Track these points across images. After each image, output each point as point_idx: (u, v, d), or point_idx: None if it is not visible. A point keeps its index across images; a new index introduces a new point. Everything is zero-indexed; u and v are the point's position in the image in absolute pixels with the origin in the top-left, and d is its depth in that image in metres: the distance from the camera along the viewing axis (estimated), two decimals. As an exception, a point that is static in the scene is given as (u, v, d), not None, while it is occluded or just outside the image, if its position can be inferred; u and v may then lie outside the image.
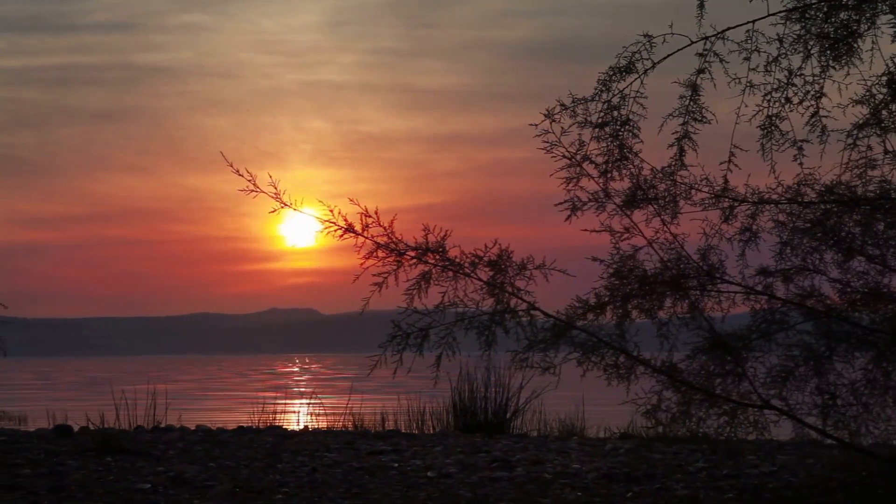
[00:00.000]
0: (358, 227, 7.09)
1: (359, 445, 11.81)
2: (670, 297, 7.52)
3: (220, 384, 54.09)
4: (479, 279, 7.15)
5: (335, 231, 7.11)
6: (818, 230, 7.66)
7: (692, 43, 7.38)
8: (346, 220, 7.10)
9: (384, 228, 7.11)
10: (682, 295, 7.47)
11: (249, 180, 7.08)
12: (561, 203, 7.55)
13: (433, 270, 7.06)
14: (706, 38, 7.37)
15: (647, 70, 7.42)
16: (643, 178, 7.58)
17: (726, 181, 7.62)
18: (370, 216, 7.08)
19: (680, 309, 7.58)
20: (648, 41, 7.41)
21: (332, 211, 7.12)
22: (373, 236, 7.09)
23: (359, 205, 7.06)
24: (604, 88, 7.46)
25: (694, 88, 7.47)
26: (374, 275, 7.04)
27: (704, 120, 7.47)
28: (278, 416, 18.58)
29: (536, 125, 7.45)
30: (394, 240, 7.09)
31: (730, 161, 7.58)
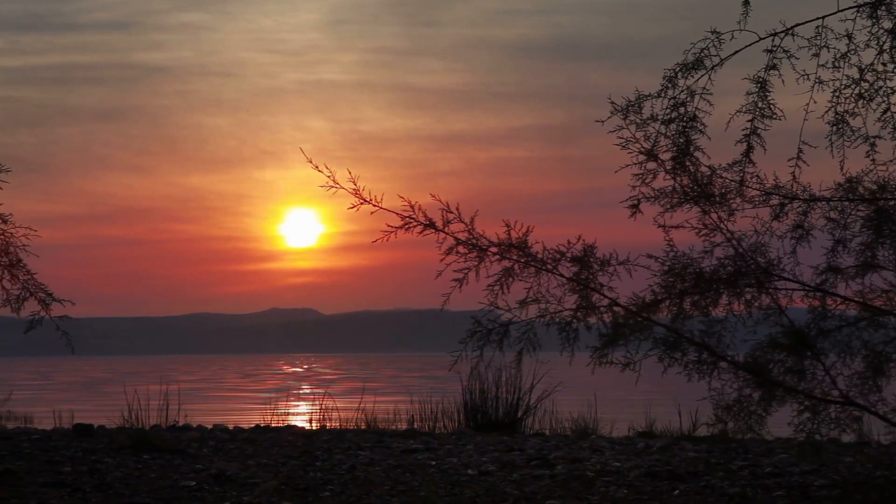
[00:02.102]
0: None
1: (390, 443, 11.80)
2: (726, 294, 7.49)
3: (224, 384, 54.08)
4: (562, 275, 7.10)
5: (415, 227, 7.03)
6: (884, 226, 7.62)
7: (760, 39, 7.37)
8: (425, 215, 7.05)
9: (465, 224, 7.05)
10: (738, 293, 7.43)
11: (329, 176, 7.03)
12: (626, 200, 7.54)
13: (515, 266, 7.00)
14: (775, 33, 7.36)
15: (714, 66, 7.41)
16: (705, 175, 7.55)
17: (794, 177, 7.62)
18: (452, 212, 7.02)
19: (736, 306, 7.56)
20: (717, 37, 7.40)
21: (412, 206, 7.06)
22: (454, 232, 7.00)
23: (440, 200, 7.01)
24: (669, 85, 7.45)
25: (762, 85, 7.46)
26: (454, 271, 6.99)
27: (775, 116, 7.46)
28: (290, 415, 18.53)
29: (603, 122, 7.44)
30: (475, 235, 7.02)
31: (798, 157, 7.57)
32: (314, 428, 14.47)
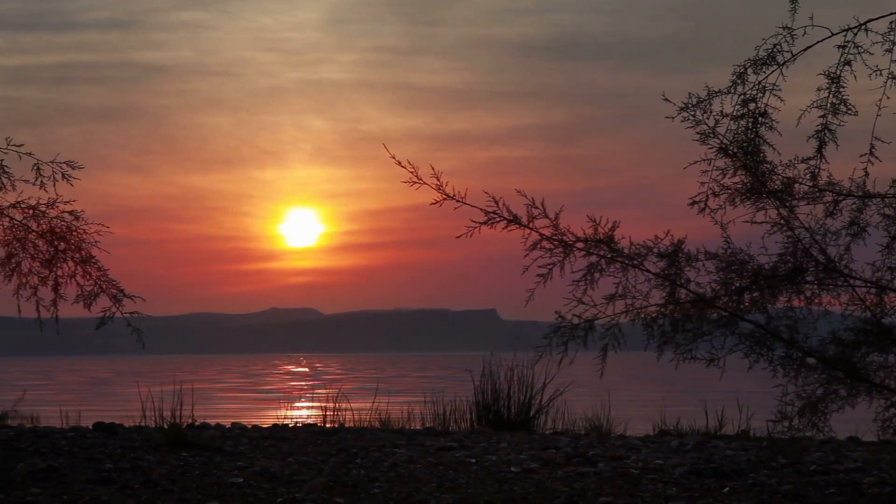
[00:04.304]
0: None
1: (423, 441, 11.78)
2: (787, 291, 7.46)
3: (227, 384, 54.09)
4: (649, 271, 7.06)
5: (499, 222, 6.98)
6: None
7: (833, 35, 7.34)
8: (509, 210, 6.99)
9: (550, 220, 7.01)
10: (798, 289, 7.41)
11: (412, 171, 6.98)
12: (694, 197, 7.51)
13: (602, 262, 6.95)
14: (848, 28, 7.33)
15: (786, 62, 7.39)
16: (777, 170, 7.52)
17: (866, 174, 7.59)
18: (537, 208, 6.99)
19: (798, 302, 7.53)
20: (789, 33, 7.37)
21: (496, 202, 7.01)
22: (538, 227, 6.96)
23: (525, 196, 6.98)
24: (739, 80, 7.43)
25: (835, 80, 7.43)
26: (539, 266, 6.96)
27: (849, 112, 7.43)
28: (302, 414, 18.46)
29: (672, 118, 7.42)
30: (559, 231, 6.98)
31: (871, 153, 7.55)
32: (334, 426, 14.43)
